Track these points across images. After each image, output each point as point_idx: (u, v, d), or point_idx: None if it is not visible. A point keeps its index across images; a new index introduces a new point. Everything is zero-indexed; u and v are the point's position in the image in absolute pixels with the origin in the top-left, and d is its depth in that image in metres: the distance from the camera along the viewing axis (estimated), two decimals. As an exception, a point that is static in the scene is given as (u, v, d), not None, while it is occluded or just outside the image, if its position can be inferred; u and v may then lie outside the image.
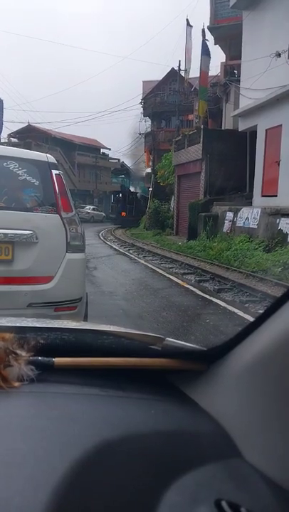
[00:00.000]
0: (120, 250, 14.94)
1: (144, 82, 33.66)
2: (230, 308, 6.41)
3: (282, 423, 0.61)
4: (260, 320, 0.67)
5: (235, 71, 17.63)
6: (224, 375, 0.73)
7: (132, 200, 32.14)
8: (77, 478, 0.52)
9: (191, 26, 20.19)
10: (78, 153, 41.42)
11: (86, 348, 0.83)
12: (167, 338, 0.83)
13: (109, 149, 45.25)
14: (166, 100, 29.55)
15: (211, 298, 7.16)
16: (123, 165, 45.90)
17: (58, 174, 3.36)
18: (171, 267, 10.76)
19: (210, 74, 19.71)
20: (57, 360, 0.77)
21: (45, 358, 0.77)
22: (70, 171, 38.88)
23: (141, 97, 31.55)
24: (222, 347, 0.75)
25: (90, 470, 0.54)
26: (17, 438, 0.59)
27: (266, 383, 0.63)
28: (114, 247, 16.22)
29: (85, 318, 3.57)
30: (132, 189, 40.55)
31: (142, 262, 11.82)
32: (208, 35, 18.68)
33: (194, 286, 8.16)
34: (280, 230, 10.50)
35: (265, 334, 0.65)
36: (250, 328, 0.69)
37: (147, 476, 0.58)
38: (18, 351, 0.75)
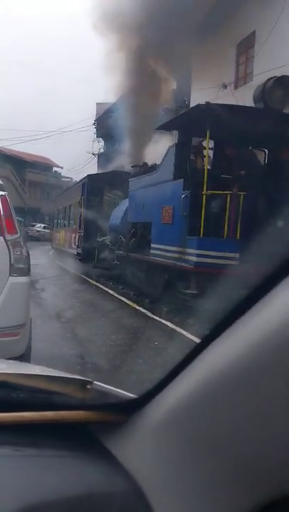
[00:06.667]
0: (71, 271, 14.68)
1: (97, 104, 34.02)
2: (178, 329, 6.47)
3: (197, 480, 0.59)
4: (179, 368, 0.66)
5: (185, 98, 18.34)
6: (141, 426, 0.71)
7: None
8: None
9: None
10: (29, 171, 40.85)
11: None
12: (95, 382, 0.80)
13: (62, 168, 45.02)
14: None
15: (160, 319, 7.19)
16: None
17: (3, 195, 3.28)
18: (122, 288, 10.71)
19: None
20: None
21: None
22: (21, 188, 38.13)
23: (94, 118, 31.85)
24: (143, 396, 0.73)
25: None
26: None
27: (179, 437, 0.62)
28: (64, 266, 15.92)
29: (29, 343, 3.46)
30: None
31: (93, 282, 11.68)
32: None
33: (145, 308, 8.17)
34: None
35: (178, 388, 0.64)
36: (170, 377, 0.68)
37: None
38: None
